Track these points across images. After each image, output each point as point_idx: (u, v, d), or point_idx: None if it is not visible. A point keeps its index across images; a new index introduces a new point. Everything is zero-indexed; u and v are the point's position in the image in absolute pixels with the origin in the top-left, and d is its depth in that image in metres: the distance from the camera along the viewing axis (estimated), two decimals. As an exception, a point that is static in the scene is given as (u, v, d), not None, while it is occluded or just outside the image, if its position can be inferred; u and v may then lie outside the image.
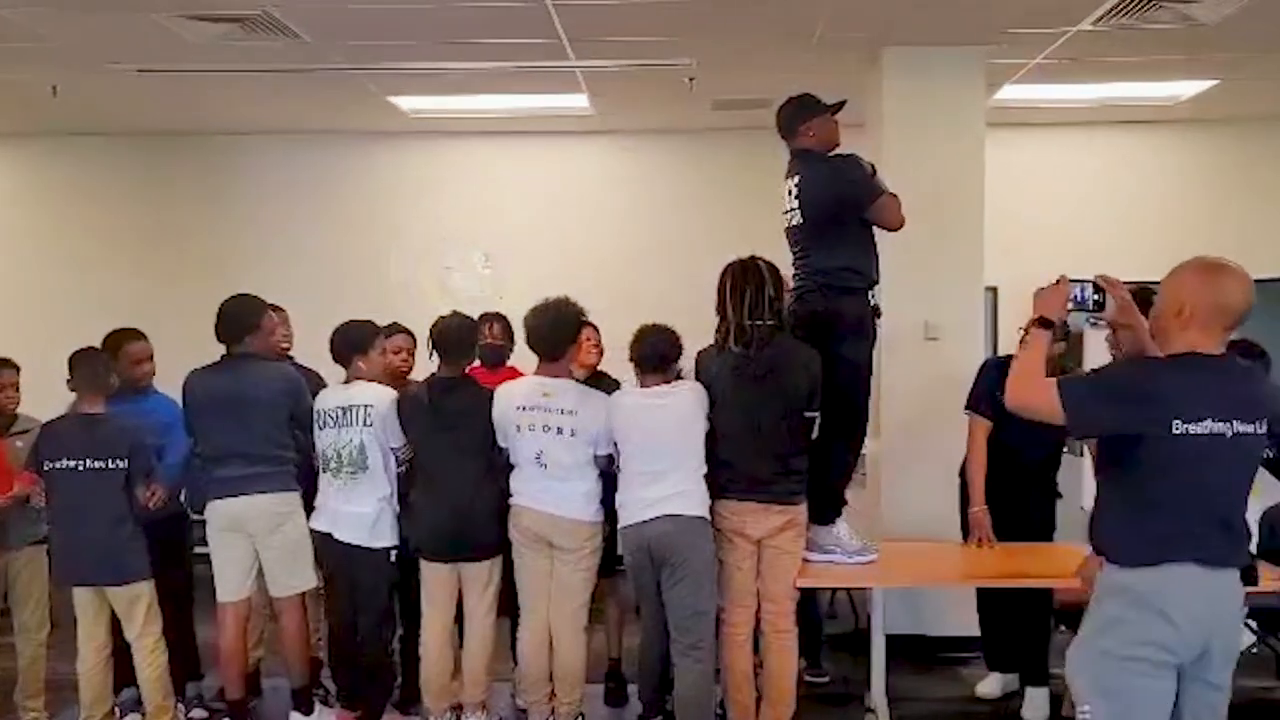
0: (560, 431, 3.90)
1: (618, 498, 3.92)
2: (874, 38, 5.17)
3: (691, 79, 5.75)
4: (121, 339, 4.37)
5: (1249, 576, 2.56)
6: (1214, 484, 2.51)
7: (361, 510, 4.06)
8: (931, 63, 5.22)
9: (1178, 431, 2.44)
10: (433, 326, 4.09)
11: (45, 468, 4.03)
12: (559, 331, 3.97)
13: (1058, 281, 2.82)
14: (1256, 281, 2.64)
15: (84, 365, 4.06)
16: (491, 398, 4.01)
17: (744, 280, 3.80)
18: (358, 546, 4.06)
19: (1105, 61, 5.60)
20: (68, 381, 4.09)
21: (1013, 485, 4.37)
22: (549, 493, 3.93)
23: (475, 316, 4.38)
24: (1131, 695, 2.49)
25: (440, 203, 7.34)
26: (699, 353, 3.96)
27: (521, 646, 4.10)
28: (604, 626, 4.56)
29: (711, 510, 3.84)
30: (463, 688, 4.12)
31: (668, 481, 3.79)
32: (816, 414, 3.83)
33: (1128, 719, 2.49)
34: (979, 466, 4.39)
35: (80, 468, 3.97)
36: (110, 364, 4.17)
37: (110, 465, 3.97)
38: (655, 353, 3.90)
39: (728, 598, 3.88)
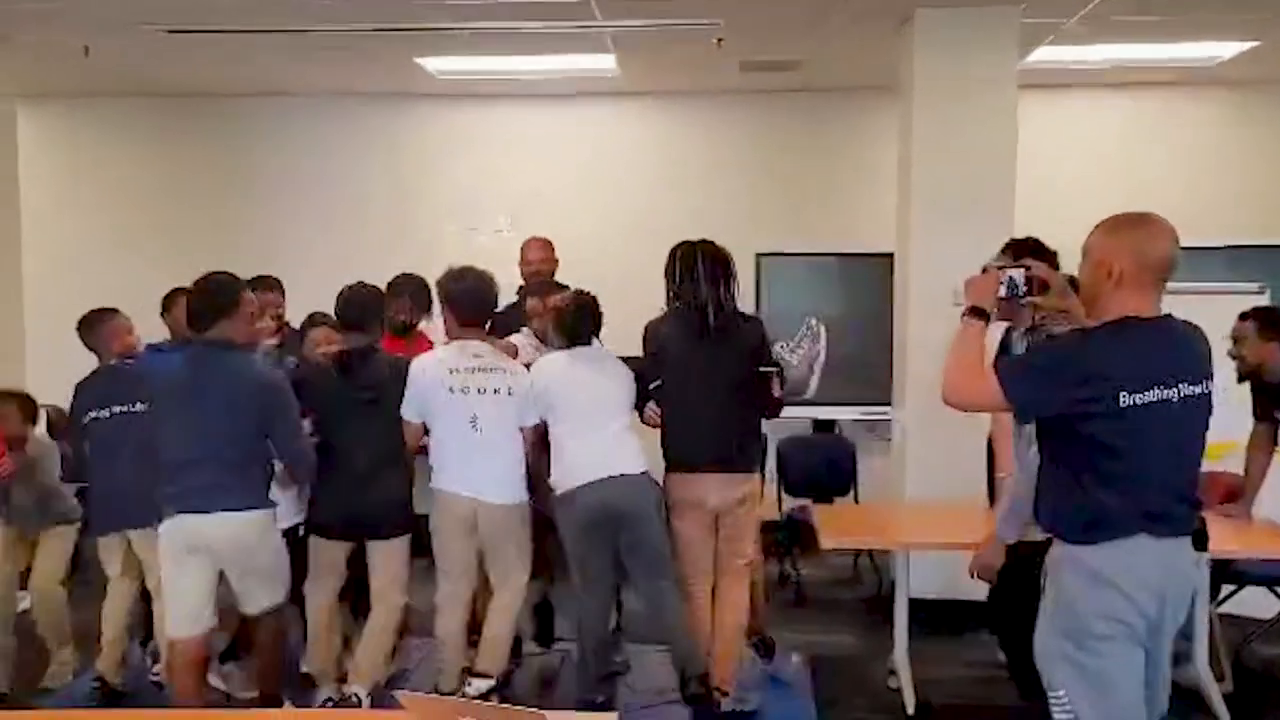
0: (496, 391, 3.88)
1: (560, 459, 3.91)
2: (905, -3, 5.10)
3: (719, 40, 5.69)
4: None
5: (1200, 541, 2.52)
6: (1165, 453, 2.44)
7: None
8: (963, 23, 5.14)
9: (1125, 404, 2.36)
10: (338, 296, 3.98)
11: (84, 420, 4.17)
12: (483, 297, 3.99)
13: (984, 270, 2.75)
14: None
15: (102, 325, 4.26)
16: (405, 369, 3.93)
17: (714, 261, 3.89)
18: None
19: (1142, 22, 5.49)
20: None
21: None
22: (478, 472, 3.86)
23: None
24: (1102, 672, 2.44)
25: (465, 165, 7.32)
26: (649, 324, 3.98)
27: (447, 627, 3.96)
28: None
29: (666, 481, 3.90)
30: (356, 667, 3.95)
31: (611, 435, 3.88)
32: (773, 369, 3.95)
33: (1104, 696, 2.44)
34: (1006, 433, 4.37)
35: (109, 415, 4.11)
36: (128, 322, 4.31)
37: (134, 408, 4.05)
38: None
39: (688, 567, 3.92)
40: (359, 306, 3.95)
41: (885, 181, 6.04)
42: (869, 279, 6.57)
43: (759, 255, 6.85)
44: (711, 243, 3.96)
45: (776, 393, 4.00)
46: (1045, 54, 5.99)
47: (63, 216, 7.30)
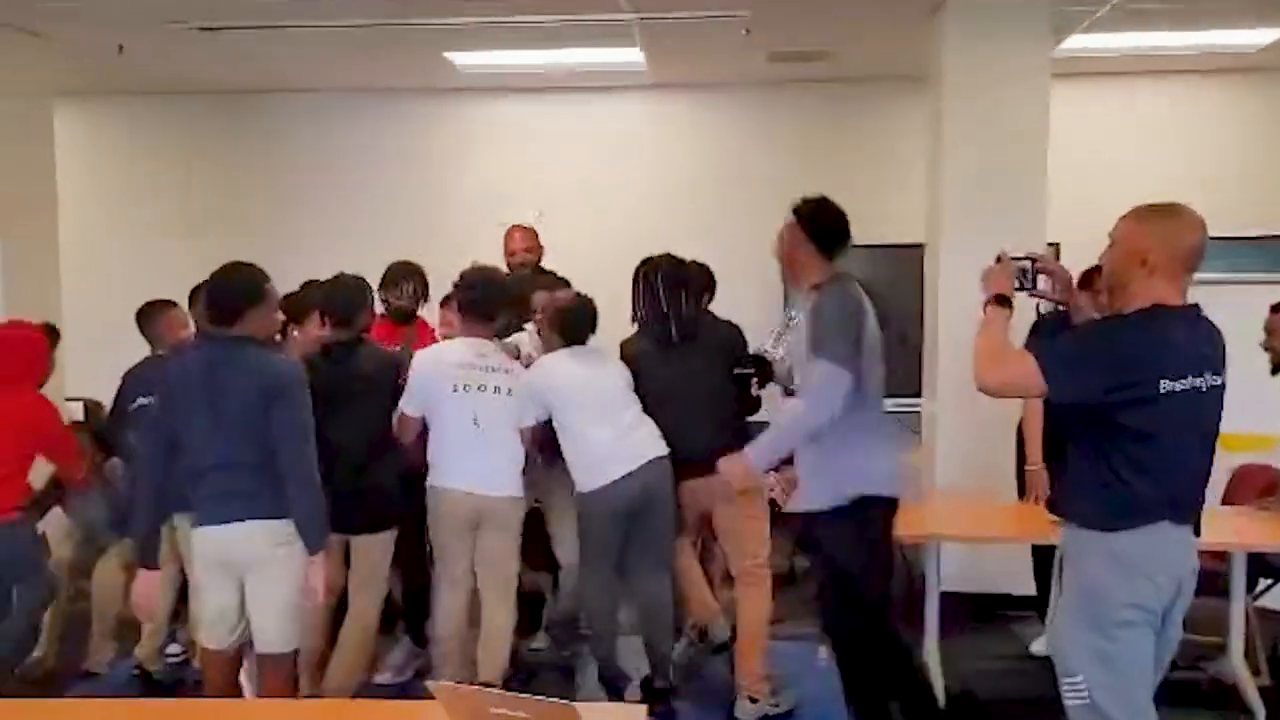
0: (498, 390, 3.89)
1: (584, 456, 3.93)
2: (935, -14, 5.07)
3: (747, 30, 5.66)
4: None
5: (1198, 527, 2.57)
6: (1193, 441, 2.50)
7: None
8: (995, 12, 5.08)
9: (1164, 390, 2.39)
10: (324, 287, 3.98)
11: (130, 407, 4.23)
12: (494, 295, 4.01)
13: (998, 259, 2.77)
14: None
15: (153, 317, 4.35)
16: (393, 361, 3.96)
17: (671, 275, 4.01)
18: None
19: (1176, 9, 5.41)
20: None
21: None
22: (478, 466, 3.86)
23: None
24: (1123, 659, 2.47)
25: (494, 159, 7.33)
26: (623, 343, 4.12)
27: (446, 626, 3.96)
28: None
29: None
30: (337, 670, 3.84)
31: (628, 424, 3.93)
32: (749, 371, 4.06)
33: (1124, 683, 2.48)
34: (1036, 424, 4.34)
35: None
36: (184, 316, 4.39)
37: None
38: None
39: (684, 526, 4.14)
40: (344, 299, 3.93)
41: (914, 172, 5.99)
42: (898, 270, 6.52)
43: (788, 247, 6.83)
44: (670, 256, 4.07)
45: (755, 392, 4.12)
46: (1078, 42, 5.92)
47: (98, 212, 7.38)
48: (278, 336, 4.20)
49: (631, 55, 6.32)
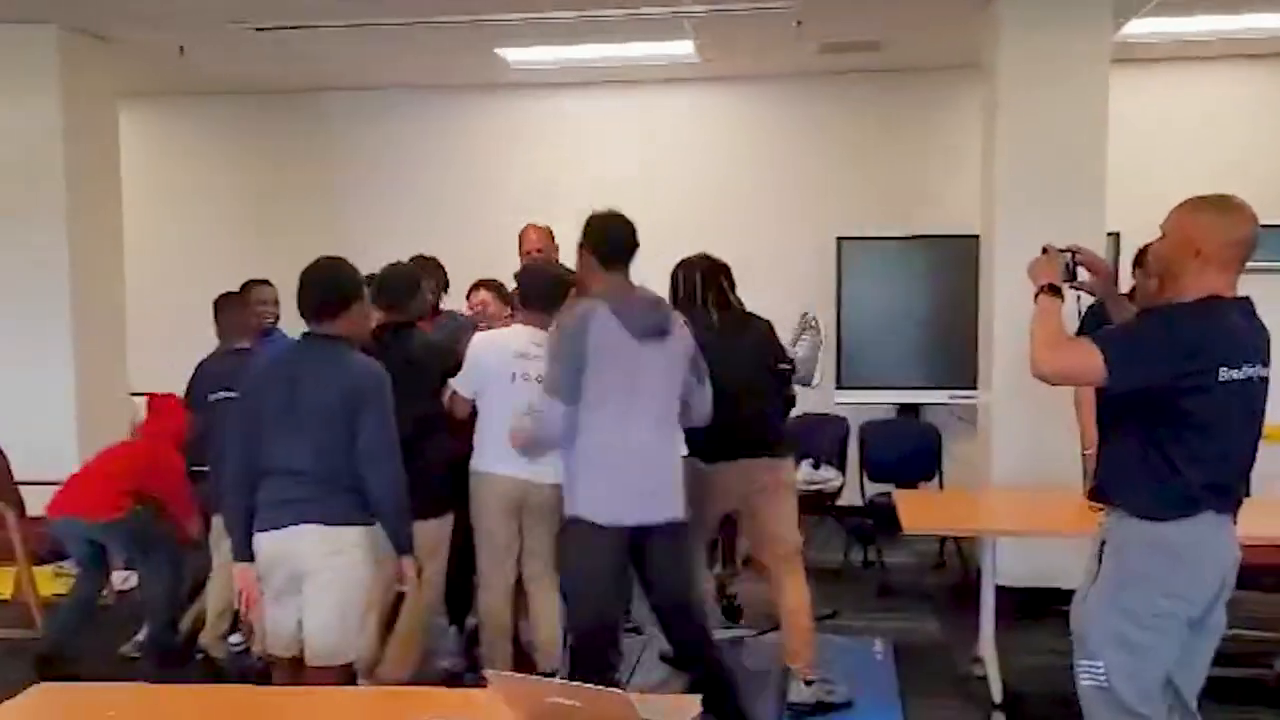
0: None
1: None
2: (990, -28, 5.00)
3: (798, 21, 5.63)
4: (247, 286, 4.80)
5: (1236, 517, 2.57)
6: (1244, 431, 2.51)
7: None
8: (1052, -3, 5.01)
9: (1223, 379, 2.41)
10: (375, 276, 3.98)
11: (207, 400, 4.32)
12: (555, 287, 3.99)
13: (1044, 250, 2.78)
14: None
15: (227, 309, 4.53)
16: (442, 349, 4.01)
17: (707, 271, 4.06)
18: None
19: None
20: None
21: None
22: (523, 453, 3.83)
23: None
24: (1151, 649, 2.49)
25: (545, 154, 7.38)
26: None
27: (494, 614, 3.99)
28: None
29: (688, 470, 3.80)
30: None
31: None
32: (790, 366, 4.14)
33: (1143, 671, 2.49)
34: (1090, 411, 4.28)
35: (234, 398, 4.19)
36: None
37: None
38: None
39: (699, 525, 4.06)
40: (395, 284, 3.97)
41: (968, 162, 5.92)
42: (953, 261, 6.46)
43: (839, 239, 6.78)
44: (706, 255, 4.12)
45: (790, 391, 4.19)
46: (1139, 27, 5.79)
47: (160, 211, 7.55)
48: None
49: (683, 48, 6.32)
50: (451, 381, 3.95)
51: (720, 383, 3.81)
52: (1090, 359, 2.45)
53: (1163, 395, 2.44)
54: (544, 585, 4.03)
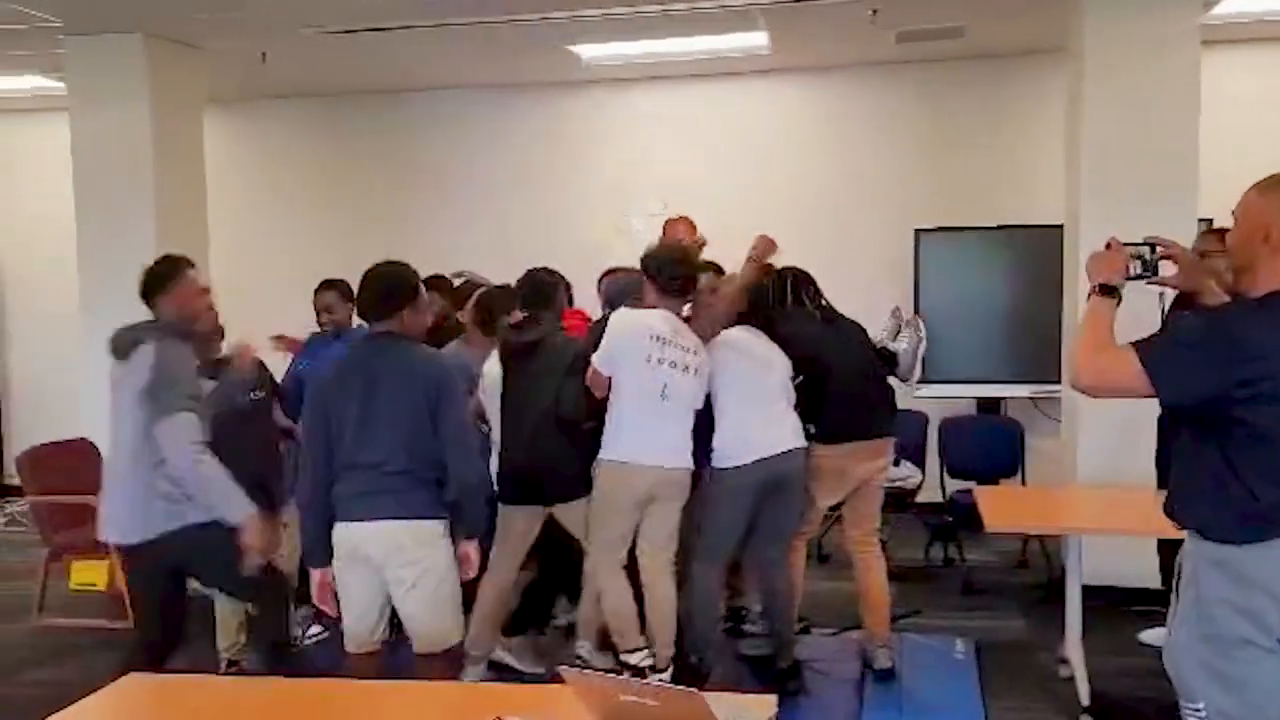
0: (687, 369, 3.92)
1: (733, 434, 4.00)
2: (1074, -46, 4.86)
3: (874, 10, 5.54)
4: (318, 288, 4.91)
5: None
6: None
7: None
8: (1140, -23, 4.86)
9: None
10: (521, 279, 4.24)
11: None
12: (691, 270, 4.06)
13: (1108, 245, 2.51)
14: None
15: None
16: (575, 350, 4.06)
17: (802, 278, 4.31)
18: None
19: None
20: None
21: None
22: (663, 439, 3.90)
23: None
24: (1247, 681, 2.20)
25: (619, 149, 7.39)
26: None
27: (620, 605, 3.99)
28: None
29: (814, 453, 4.15)
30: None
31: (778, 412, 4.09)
32: (890, 356, 4.60)
33: (1247, 707, 2.20)
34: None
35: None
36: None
37: None
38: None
39: (807, 526, 4.31)
40: (532, 289, 4.20)
41: (1051, 150, 5.77)
42: (1035, 252, 6.30)
43: (918, 231, 6.67)
44: (791, 266, 4.34)
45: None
46: (1229, 7, 5.58)
47: (244, 213, 7.73)
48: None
49: (756, 40, 6.26)
50: (593, 358, 3.98)
51: (842, 365, 4.19)
52: (1131, 373, 2.18)
53: (1218, 406, 2.16)
54: (661, 565, 4.03)
